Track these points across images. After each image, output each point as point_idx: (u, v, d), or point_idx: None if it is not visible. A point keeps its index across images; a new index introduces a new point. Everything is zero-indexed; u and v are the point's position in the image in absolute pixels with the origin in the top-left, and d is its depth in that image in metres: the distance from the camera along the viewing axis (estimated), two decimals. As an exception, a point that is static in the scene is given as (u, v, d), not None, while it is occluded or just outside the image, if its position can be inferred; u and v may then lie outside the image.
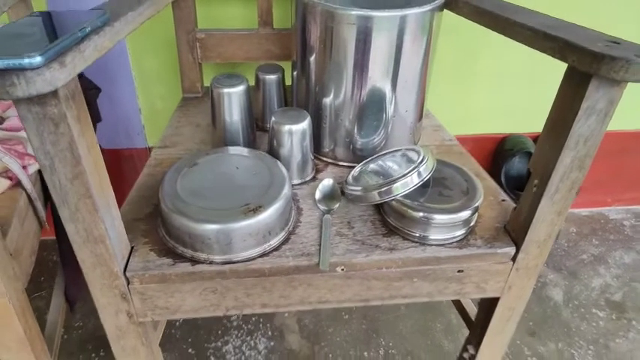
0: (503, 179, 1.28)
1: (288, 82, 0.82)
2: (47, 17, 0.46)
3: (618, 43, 0.45)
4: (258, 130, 0.79)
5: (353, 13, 0.60)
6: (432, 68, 0.71)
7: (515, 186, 1.28)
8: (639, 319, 1.13)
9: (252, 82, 0.80)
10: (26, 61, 0.34)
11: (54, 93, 0.37)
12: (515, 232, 0.59)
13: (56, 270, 0.95)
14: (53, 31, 0.42)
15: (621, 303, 1.17)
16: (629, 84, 0.44)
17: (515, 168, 1.30)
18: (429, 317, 1.11)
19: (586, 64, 0.44)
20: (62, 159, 0.41)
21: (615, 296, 1.19)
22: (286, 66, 0.82)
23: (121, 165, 1.17)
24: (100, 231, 0.46)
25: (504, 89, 1.23)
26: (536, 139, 1.31)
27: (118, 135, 1.12)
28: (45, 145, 0.40)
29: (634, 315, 1.14)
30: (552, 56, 0.48)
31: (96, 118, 0.88)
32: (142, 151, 1.16)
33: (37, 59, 0.34)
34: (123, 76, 1.04)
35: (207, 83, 0.95)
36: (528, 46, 0.52)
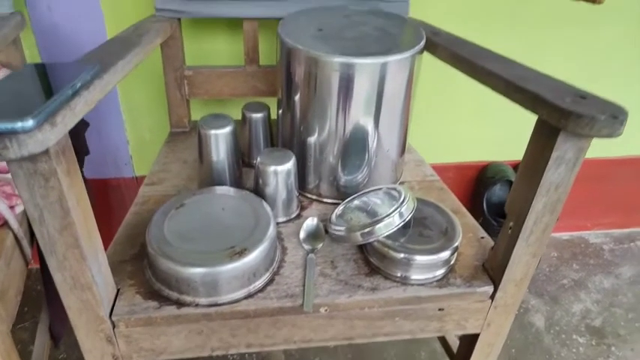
0: (484, 206, 1.31)
1: (274, 115, 0.84)
2: (41, 70, 0.47)
3: (584, 98, 0.48)
4: (244, 166, 0.81)
5: (336, 60, 0.62)
6: (414, 106, 0.73)
7: (497, 212, 1.31)
8: (618, 345, 1.15)
9: (238, 116, 0.82)
10: (19, 125, 0.35)
11: (45, 150, 0.38)
12: (493, 270, 0.61)
13: (40, 300, 0.95)
14: (46, 87, 0.43)
15: (601, 328, 1.20)
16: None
17: (496, 195, 1.33)
18: (414, 346, 1.12)
19: (555, 119, 0.46)
20: (51, 211, 0.42)
21: (595, 322, 1.22)
22: (272, 101, 0.84)
23: (108, 194, 1.18)
24: (87, 279, 0.47)
25: (486, 118, 1.26)
26: (516, 166, 1.35)
27: (105, 165, 1.13)
28: (35, 198, 0.41)
29: (613, 341, 1.16)
30: (525, 108, 0.51)
31: (84, 151, 0.89)
32: (129, 181, 1.17)
33: (30, 123, 0.35)
34: (111, 110, 1.05)
35: (194, 117, 0.96)
36: (503, 96, 0.54)
